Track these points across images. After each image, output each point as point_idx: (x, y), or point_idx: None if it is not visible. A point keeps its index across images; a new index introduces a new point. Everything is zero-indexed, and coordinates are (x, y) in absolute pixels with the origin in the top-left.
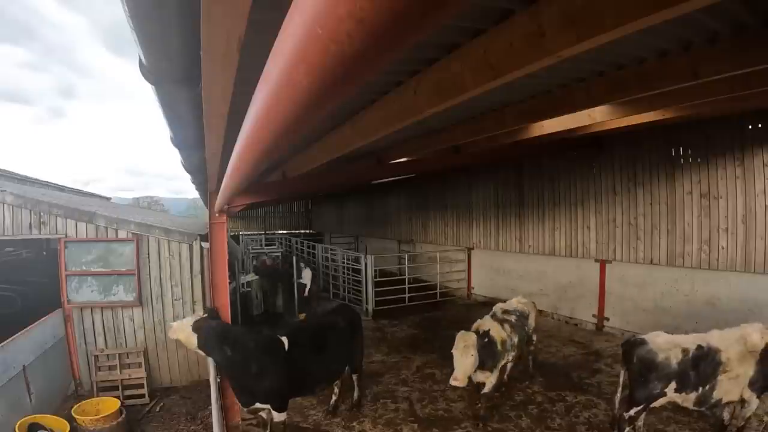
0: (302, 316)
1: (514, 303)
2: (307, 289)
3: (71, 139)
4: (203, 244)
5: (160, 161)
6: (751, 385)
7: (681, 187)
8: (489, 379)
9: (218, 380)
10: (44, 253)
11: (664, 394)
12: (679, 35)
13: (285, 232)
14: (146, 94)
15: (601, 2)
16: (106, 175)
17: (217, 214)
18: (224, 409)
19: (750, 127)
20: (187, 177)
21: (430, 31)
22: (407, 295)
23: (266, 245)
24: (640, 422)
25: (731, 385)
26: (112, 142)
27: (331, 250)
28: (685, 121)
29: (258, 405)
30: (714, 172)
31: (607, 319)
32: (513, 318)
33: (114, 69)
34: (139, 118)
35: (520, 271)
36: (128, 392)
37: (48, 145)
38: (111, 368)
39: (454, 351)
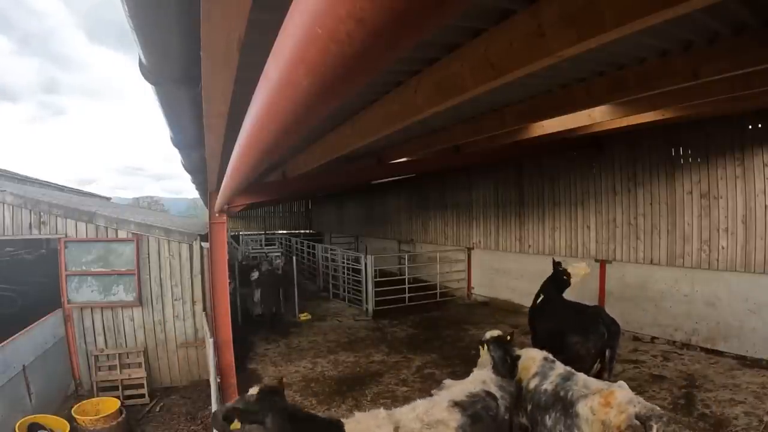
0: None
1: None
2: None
3: (62, 138)
4: (203, 244)
5: (157, 161)
6: None
7: (681, 187)
8: None
9: (218, 380)
10: (44, 251)
11: None
12: (679, 35)
13: (285, 232)
14: (140, 89)
15: (601, 2)
16: (101, 175)
17: (217, 214)
18: None
19: (750, 127)
20: (187, 177)
21: (430, 32)
22: (407, 295)
23: (266, 245)
24: None
25: None
26: (106, 141)
27: (331, 250)
28: (685, 121)
29: None
30: (714, 172)
31: None
32: None
33: (100, 60)
34: (136, 117)
35: (520, 271)
36: (128, 392)
37: (38, 144)
38: (111, 368)
39: None
